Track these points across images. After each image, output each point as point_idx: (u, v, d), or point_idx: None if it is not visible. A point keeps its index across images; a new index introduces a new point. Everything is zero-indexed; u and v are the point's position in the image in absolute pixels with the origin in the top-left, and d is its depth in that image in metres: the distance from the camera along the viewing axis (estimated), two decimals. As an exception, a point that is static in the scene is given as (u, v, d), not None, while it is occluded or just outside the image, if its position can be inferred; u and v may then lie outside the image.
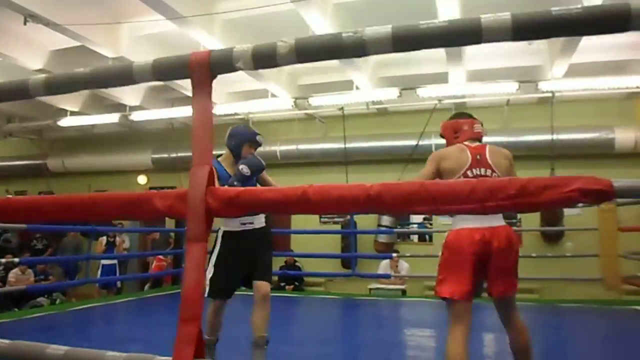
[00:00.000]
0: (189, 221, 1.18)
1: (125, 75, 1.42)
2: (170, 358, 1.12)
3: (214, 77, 1.29)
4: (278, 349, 3.99)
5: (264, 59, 1.23)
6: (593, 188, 0.88)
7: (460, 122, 2.80)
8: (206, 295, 2.98)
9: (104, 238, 9.03)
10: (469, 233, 2.42)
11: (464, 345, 2.33)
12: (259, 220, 3.25)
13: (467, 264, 2.40)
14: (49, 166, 11.63)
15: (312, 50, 1.15)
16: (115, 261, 9.04)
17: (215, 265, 3.12)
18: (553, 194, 0.88)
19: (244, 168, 3.01)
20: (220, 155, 3.30)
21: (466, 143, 2.70)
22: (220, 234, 3.21)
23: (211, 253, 3.15)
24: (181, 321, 1.14)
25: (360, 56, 1.17)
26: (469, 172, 2.54)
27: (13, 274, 7.99)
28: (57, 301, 8.00)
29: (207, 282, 3.05)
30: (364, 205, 1.02)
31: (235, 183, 2.98)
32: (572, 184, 0.88)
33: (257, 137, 3.25)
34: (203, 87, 1.28)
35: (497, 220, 2.47)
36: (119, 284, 9.33)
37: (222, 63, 1.27)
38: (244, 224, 3.16)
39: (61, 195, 1.49)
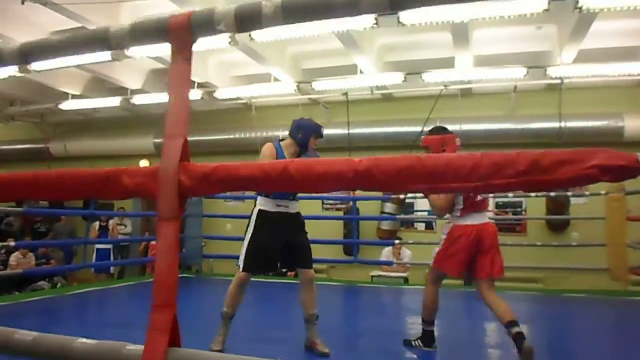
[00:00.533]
0: (160, 199, 1.07)
1: (101, 40, 1.31)
2: (142, 347, 1.03)
3: (194, 40, 1.19)
4: (278, 335, 3.94)
5: (248, 20, 1.12)
6: (615, 164, 0.77)
7: (447, 137, 3.52)
8: (241, 269, 3.29)
9: (97, 223, 8.94)
10: (466, 230, 3.26)
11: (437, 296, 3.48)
12: (294, 206, 3.46)
13: (464, 252, 3.27)
14: (51, 150, 11.57)
15: (299, 10, 1.04)
16: (110, 246, 8.96)
17: (250, 240, 3.32)
18: (569, 171, 0.77)
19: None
20: (282, 140, 3.52)
21: None
22: (255, 211, 3.39)
23: (246, 231, 3.37)
24: (154, 308, 1.04)
25: (353, 15, 1.06)
26: None
27: (14, 258, 7.98)
28: (58, 285, 7.98)
29: (242, 255, 3.30)
30: (352, 182, 0.92)
31: None
32: (591, 159, 0.77)
33: (322, 130, 3.51)
34: (182, 52, 1.17)
35: (485, 218, 3.38)
36: (112, 269, 9.23)
37: (203, 25, 1.17)
38: (279, 205, 3.37)
39: (27, 171, 1.38)
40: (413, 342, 3.54)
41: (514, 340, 2.96)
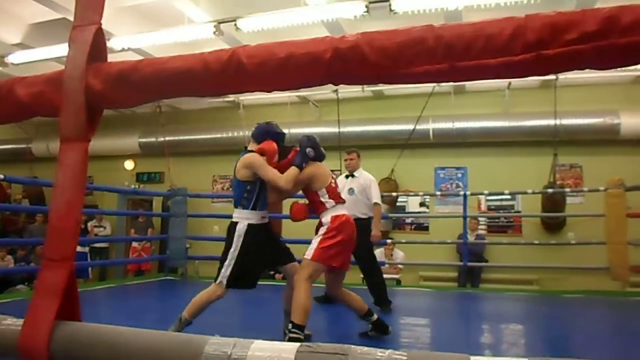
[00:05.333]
0: (63, 112, 0.81)
1: None
2: (21, 321, 0.76)
3: None
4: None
5: None
6: None
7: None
8: (224, 285, 3.16)
9: None
10: (347, 218, 3.35)
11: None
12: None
13: (348, 243, 3.32)
14: (33, 150, 11.23)
15: None
16: (86, 248, 8.59)
17: (239, 257, 3.19)
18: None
19: (310, 151, 3.30)
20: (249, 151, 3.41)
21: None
22: (243, 227, 3.25)
23: (230, 245, 3.23)
24: (45, 263, 0.77)
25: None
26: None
27: (-9, 260, 7.70)
28: (37, 288, 7.64)
29: (227, 271, 3.17)
30: (330, 68, 0.67)
31: (303, 165, 3.28)
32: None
33: (284, 136, 3.51)
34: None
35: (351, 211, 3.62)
36: (91, 272, 8.85)
37: None
38: (264, 217, 3.36)
39: None
40: None
41: (374, 325, 3.45)
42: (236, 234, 3.23)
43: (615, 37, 0.54)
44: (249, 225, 3.25)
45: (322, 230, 3.31)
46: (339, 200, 3.42)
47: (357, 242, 4.50)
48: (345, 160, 5.07)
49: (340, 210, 3.37)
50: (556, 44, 0.56)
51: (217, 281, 3.18)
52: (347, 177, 5.07)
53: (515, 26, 0.58)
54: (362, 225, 4.78)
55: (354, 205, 4.97)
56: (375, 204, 4.90)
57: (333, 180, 3.49)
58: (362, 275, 5.20)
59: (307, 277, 3.16)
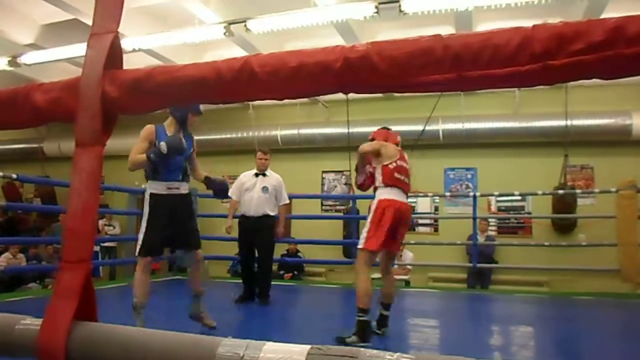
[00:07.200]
0: (79, 118, 0.83)
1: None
2: (40, 321, 0.79)
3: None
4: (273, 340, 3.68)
5: None
6: None
7: (390, 132, 4.02)
8: (137, 253, 3.26)
9: None
10: (391, 203, 3.40)
11: (370, 281, 3.40)
12: (185, 187, 3.49)
13: (388, 226, 3.34)
14: (45, 150, 11.34)
15: None
16: (97, 247, 8.68)
17: (147, 225, 3.28)
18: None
19: (162, 145, 3.14)
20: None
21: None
22: (147, 195, 3.36)
23: (142, 215, 3.35)
24: (63, 264, 0.80)
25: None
26: (398, 162, 3.55)
27: (4, 258, 7.80)
28: (50, 287, 7.74)
29: (140, 241, 3.26)
30: (341, 77, 0.68)
31: (151, 155, 3.12)
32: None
33: (200, 107, 3.58)
34: None
35: (405, 199, 3.55)
36: (101, 271, 8.94)
37: None
38: (170, 188, 3.36)
39: None
40: (347, 339, 3.23)
41: (383, 319, 3.52)
42: (145, 203, 3.35)
43: (621, 47, 0.54)
44: (151, 194, 3.33)
45: (368, 220, 3.47)
46: (391, 181, 3.48)
47: (264, 236, 4.97)
48: (261, 159, 5.21)
49: (389, 195, 3.45)
50: (563, 54, 0.57)
51: (137, 252, 3.28)
52: (256, 175, 5.21)
53: (522, 36, 0.58)
54: (271, 221, 5.19)
55: (265, 203, 5.14)
56: (286, 204, 5.36)
57: (394, 163, 3.53)
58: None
59: (362, 265, 3.38)
